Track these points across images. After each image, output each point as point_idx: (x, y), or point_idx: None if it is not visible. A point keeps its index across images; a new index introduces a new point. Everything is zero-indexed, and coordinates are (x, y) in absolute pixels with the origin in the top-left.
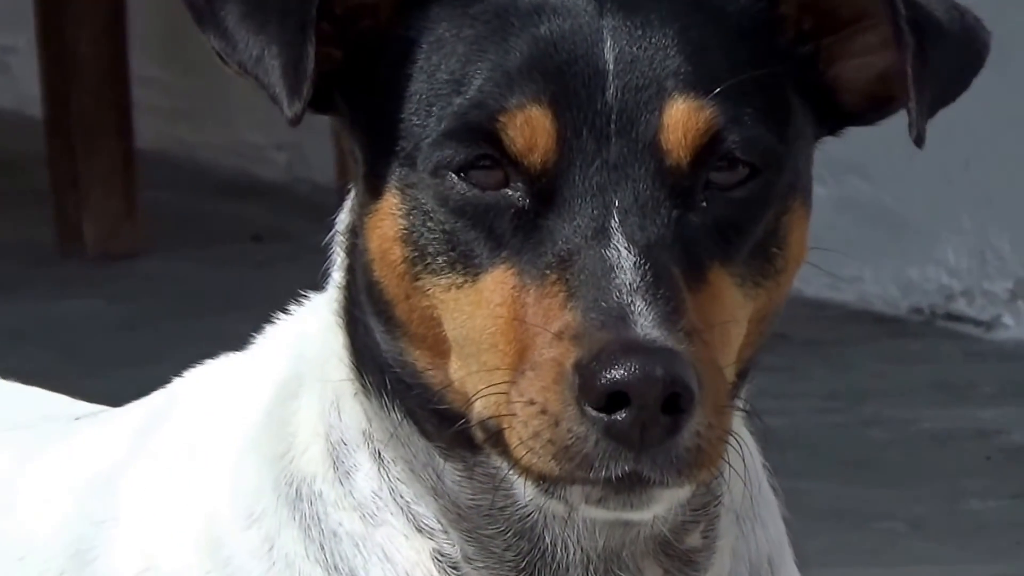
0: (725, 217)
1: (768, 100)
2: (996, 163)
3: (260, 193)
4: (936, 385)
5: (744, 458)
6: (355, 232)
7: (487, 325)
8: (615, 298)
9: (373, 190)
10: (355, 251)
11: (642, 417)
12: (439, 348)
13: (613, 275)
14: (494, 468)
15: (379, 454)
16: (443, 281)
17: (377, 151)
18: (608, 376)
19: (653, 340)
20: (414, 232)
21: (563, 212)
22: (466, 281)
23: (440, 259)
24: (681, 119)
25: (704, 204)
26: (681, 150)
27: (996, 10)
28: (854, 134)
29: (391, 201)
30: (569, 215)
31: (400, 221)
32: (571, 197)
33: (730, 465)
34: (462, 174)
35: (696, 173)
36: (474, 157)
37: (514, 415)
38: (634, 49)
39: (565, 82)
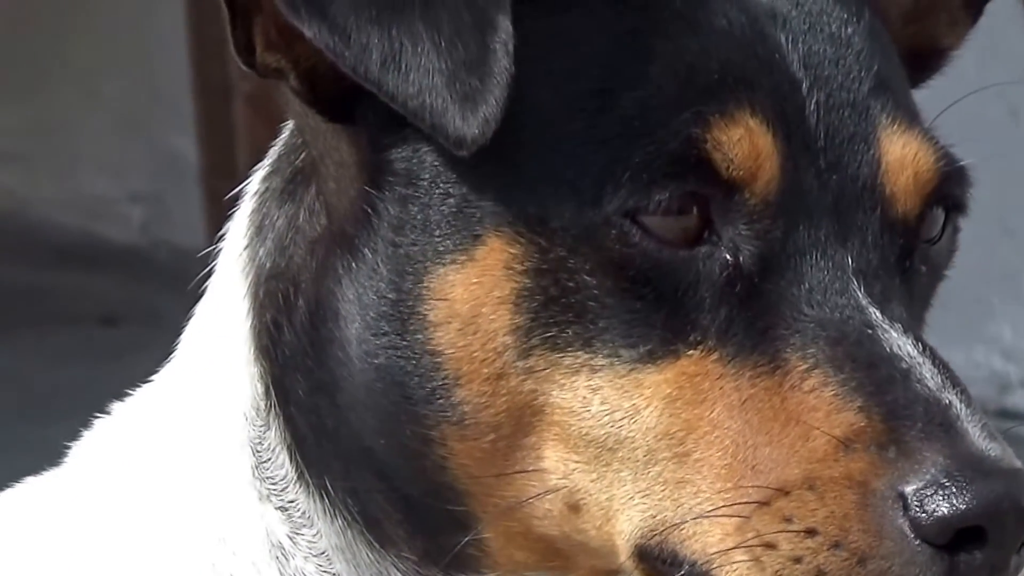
0: (931, 281)
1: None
2: None
3: (109, 260)
4: None
5: None
6: (293, 277)
7: (671, 428)
8: (924, 395)
9: (463, 232)
10: (296, 302)
11: (994, 558)
12: (513, 440)
13: (903, 364)
14: None
15: None
16: (568, 360)
17: (470, 181)
18: (962, 505)
19: (999, 457)
20: (539, 294)
21: (790, 274)
22: (613, 363)
23: (571, 331)
24: (907, 156)
25: (924, 268)
26: (909, 199)
27: None
28: None
29: (504, 250)
30: (798, 278)
31: (519, 278)
32: (798, 252)
33: None
34: (646, 226)
35: (920, 229)
36: (678, 195)
37: (769, 546)
38: (818, 48)
39: (765, 92)
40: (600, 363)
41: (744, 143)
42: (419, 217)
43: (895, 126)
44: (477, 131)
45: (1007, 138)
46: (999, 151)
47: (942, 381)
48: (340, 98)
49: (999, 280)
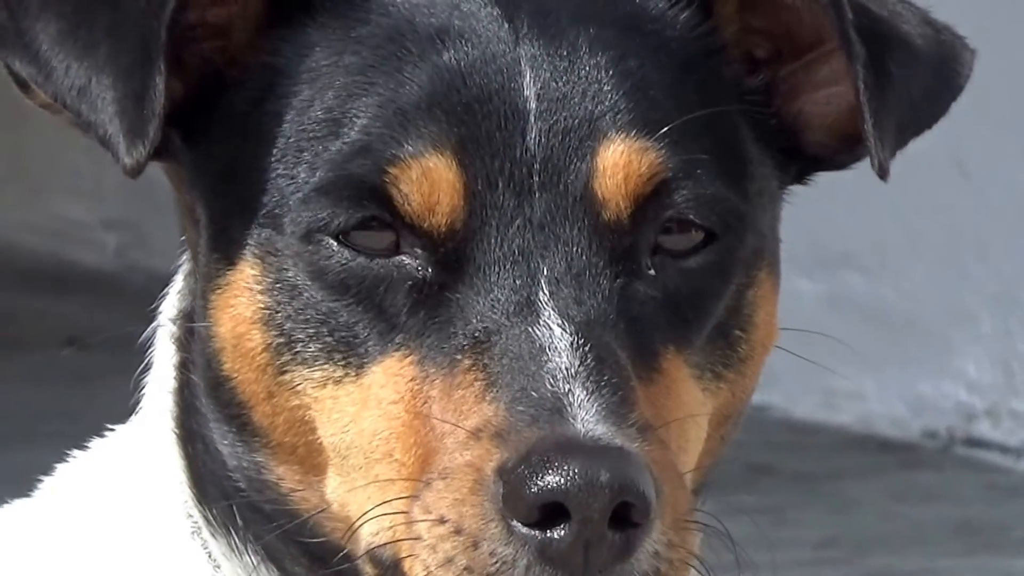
0: (679, 291)
1: (722, 147)
2: (1022, 250)
3: (80, 285)
4: (956, 528)
5: None
6: (191, 318)
7: (378, 428)
8: (548, 385)
9: (224, 258)
10: (192, 342)
11: (585, 534)
12: (311, 461)
13: (544, 358)
14: None
15: None
16: (317, 374)
17: (229, 208)
18: (540, 483)
19: (597, 438)
20: (279, 311)
21: (476, 283)
22: (347, 374)
23: (313, 346)
24: (620, 161)
25: (652, 272)
26: (621, 199)
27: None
28: (846, 217)
29: (248, 272)
30: (484, 287)
31: (260, 298)
32: (486, 265)
33: None
34: (341, 238)
35: (639, 231)
36: (357, 219)
37: (418, 539)
38: (559, 83)
39: (475, 123)
40: (339, 374)
41: (422, 181)
42: (203, 247)
43: (618, 136)
44: (133, 161)
45: (955, 190)
46: (948, 203)
47: (575, 372)
48: None
49: (961, 322)
